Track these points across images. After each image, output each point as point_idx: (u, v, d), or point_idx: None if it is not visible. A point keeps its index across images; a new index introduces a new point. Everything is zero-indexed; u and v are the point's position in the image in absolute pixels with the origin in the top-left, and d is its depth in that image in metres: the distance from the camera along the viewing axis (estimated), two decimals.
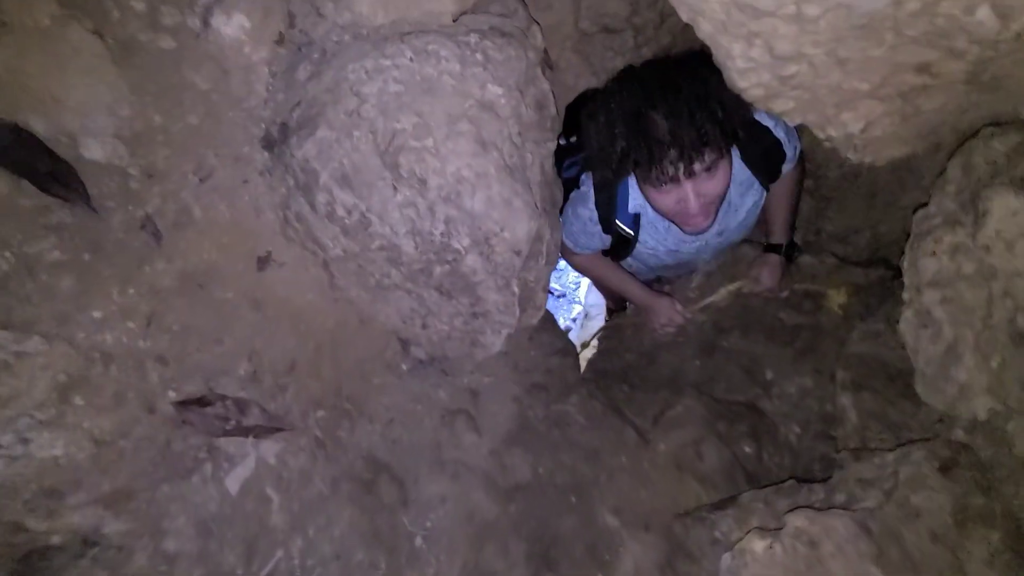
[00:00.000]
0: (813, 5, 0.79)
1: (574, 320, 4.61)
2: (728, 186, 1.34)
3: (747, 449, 1.70)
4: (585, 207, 1.61)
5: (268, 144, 1.08)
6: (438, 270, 1.08)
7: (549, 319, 1.93)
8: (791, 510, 0.90)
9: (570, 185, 1.76)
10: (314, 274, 1.22)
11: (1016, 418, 0.90)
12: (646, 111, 1.20)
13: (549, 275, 1.62)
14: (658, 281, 2.25)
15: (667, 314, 1.84)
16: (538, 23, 1.32)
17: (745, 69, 1.02)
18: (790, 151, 1.44)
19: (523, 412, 1.53)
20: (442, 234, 1.02)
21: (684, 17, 1.06)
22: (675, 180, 1.26)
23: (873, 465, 1.06)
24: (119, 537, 0.89)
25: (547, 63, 1.41)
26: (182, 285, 1.13)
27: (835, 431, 1.67)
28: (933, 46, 0.82)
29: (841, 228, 2.27)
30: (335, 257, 1.09)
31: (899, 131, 1.12)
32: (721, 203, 1.41)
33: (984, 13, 0.71)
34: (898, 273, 1.95)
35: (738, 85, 1.08)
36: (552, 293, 4.81)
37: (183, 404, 1.01)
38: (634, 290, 1.86)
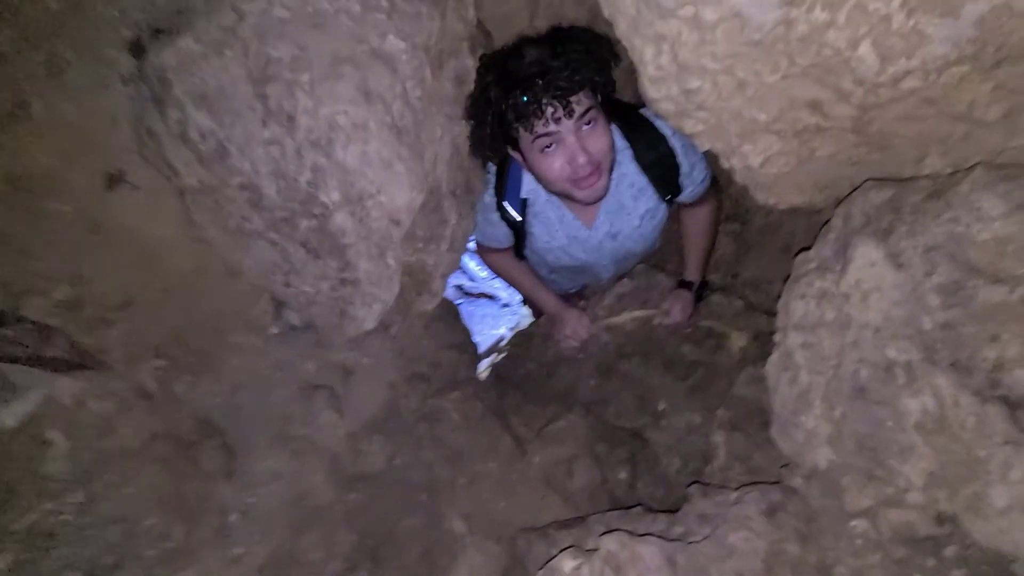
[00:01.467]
0: (709, 9, 0.76)
1: (511, 330, 4.57)
2: (611, 146, 1.32)
3: (621, 475, 1.67)
4: (487, 192, 1.57)
5: (136, 50, 0.96)
6: (304, 223, 0.99)
7: (452, 311, 1.86)
8: (608, 531, 0.86)
9: None
10: (171, 204, 1.10)
11: (850, 473, 0.90)
12: (515, 59, 1.18)
13: (452, 264, 1.56)
14: (576, 295, 2.22)
15: (572, 326, 1.80)
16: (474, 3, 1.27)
17: (656, 78, 1.00)
18: (685, 165, 1.45)
19: (395, 400, 1.45)
20: (308, 183, 0.93)
21: (605, 12, 1.02)
22: (556, 121, 1.22)
23: (714, 502, 1.03)
24: None
25: (481, 43, 1.36)
26: (4, 185, 0.99)
27: (706, 467, 1.67)
28: (822, 83, 0.82)
29: (756, 276, 2.32)
30: (190, 187, 0.98)
31: (796, 174, 1.13)
32: (611, 171, 1.38)
33: (865, 49, 0.71)
34: None
35: (649, 95, 1.05)
36: (496, 300, 4.75)
37: None
38: (545, 297, 1.82)
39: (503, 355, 2.46)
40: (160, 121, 0.91)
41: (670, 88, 1.01)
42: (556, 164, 1.28)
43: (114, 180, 1.05)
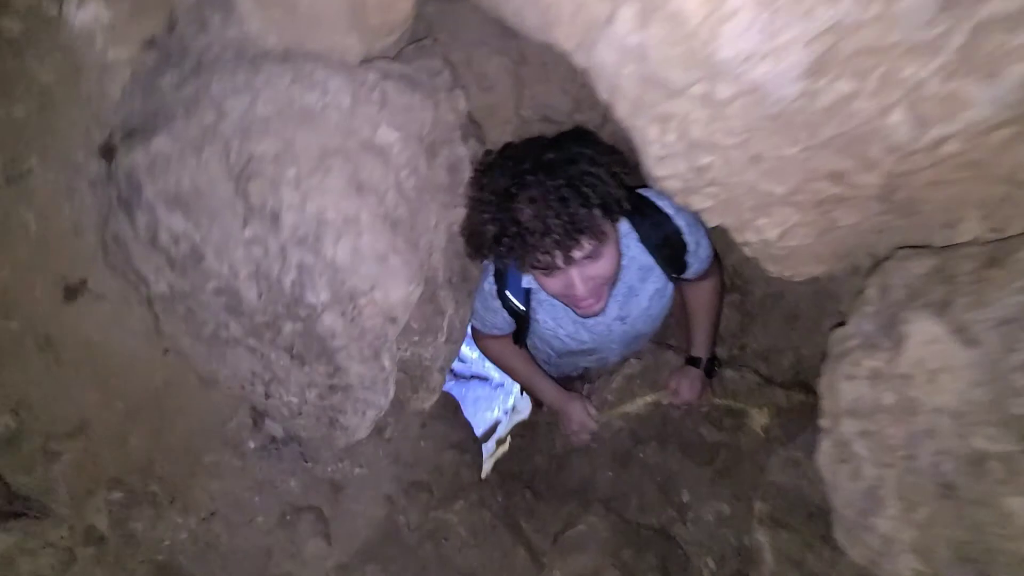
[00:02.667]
0: (723, 86, 0.72)
1: (506, 413, 4.35)
2: (617, 266, 1.25)
3: None
4: (487, 280, 1.48)
5: (106, 152, 0.89)
6: (288, 327, 0.88)
7: (450, 405, 1.71)
8: None
9: None
10: (142, 315, 0.99)
11: None
12: (513, 194, 1.10)
13: (450, 356, 1.44)
14: (580, 378, 2.09)
15: (579, 419, 1.66)
16: (463, 89, 1.25)
17: (661, 157, 0.95)
18: (691, 243, 1.38)
19: (393, 517, 1.27)
20: (293, 283, 0.83)
21: (602, 96, 1.00)
22: (555, 268, 1.15)
23: None
24: None
25: (472, 132, 1.33)
26: None
27: (752, 571, 1.48)
28: (846, 153, 0.77)
29: (764, 347, 2.23)
30: (160, 295, 0.87)
31: (815, 245, 1.06)
32: (613, 285, 1.30)
33: (899, 116, 0.66)
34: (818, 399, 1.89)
35: (655, 174, 1.01)
36: (489, 382, 4.57)
37: None
38: (544, 386, 1.69)
39: (504, 448, 2.28)
40: (128, 226, 0.82)
41: (677, 166, 0.96)
42: (554, 286, 1.21)
43: (74, 291, 0.94)
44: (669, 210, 1.35)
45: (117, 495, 1.01)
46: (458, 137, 1.20)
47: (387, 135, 0.90)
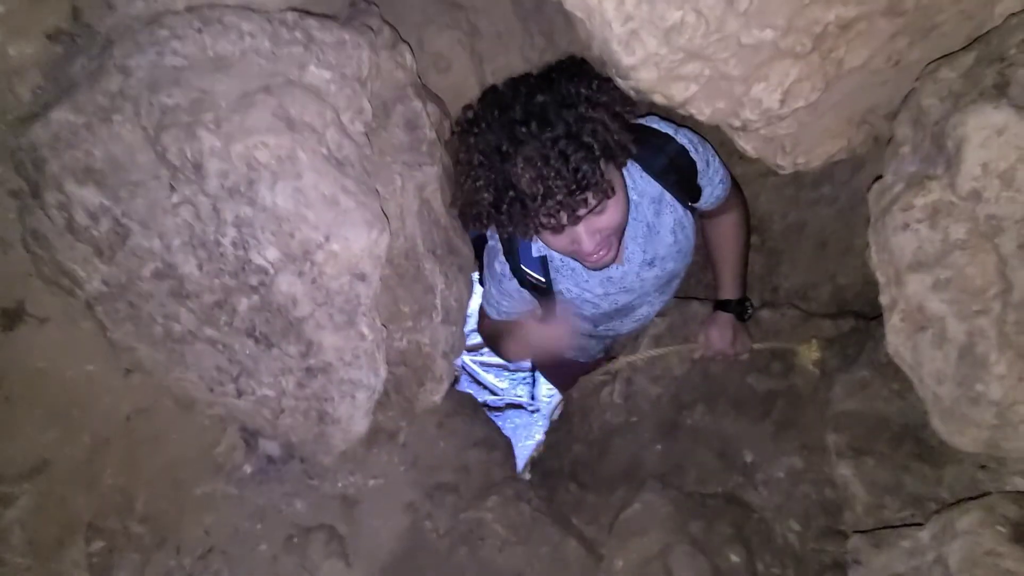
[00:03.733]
0: None
1: (547, 434, 4.14)
2: (626, 214, 1.11)
3: (734, 558, 1.26)
4: (497, 260, 1.34)
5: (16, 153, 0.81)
6: (243, 303, 0.77)
7: (468, 402, 1.57)
8: None
9: (480, 243, 1.51)
10: (91, 333, 0.88)
11: None
12: (508, 153, 0.97)
13: (453, 340, 1.30)
14: (604, 359, 1.93)
15: (551, 332, 1.43)
16: (407, 44, 1.17)
17: (626, 36, 0.84)
18: (700, 162, 1.24)
19: (418, 525, 1.11)
20: (235, 243, 0.72)
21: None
22: (560, 229, 1.02)
23: (903, 551, 0.68)
24: None
25: (427, 95, 1.25)
26: None
27: (845, 512, 1.28)
28: None
29: (798, 284, 2.05)
30: (96, 295, 0.77)
31: (823, 110, 0.93)
32: (622, 233, 1.16)
33: None
34: (871, 322, 1.70)
35: (624, 64, 0.89)
36: (524, 408, 4.38)
37: None
38: (520, 329, 1.46)
39: (539, 449, 2.10)
40: (42, 215, 0.73)
41: (646, 43, 0.85)
42: (560, 243, 1.08)
43: (12, 317, 0.84)
44: (667, 129, 1.22)
45: (97, 544, 0.88)
46: (411, 93, 1.11)
47: (318, 74, 0.80)
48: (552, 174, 0.92)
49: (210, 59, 0.75)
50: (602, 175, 0.97)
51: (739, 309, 1.59)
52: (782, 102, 0.88)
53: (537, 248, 1.27)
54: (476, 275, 1.54)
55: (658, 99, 1.00)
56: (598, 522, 1.41)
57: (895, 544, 0.71)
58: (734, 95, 0.92)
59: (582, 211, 1.00)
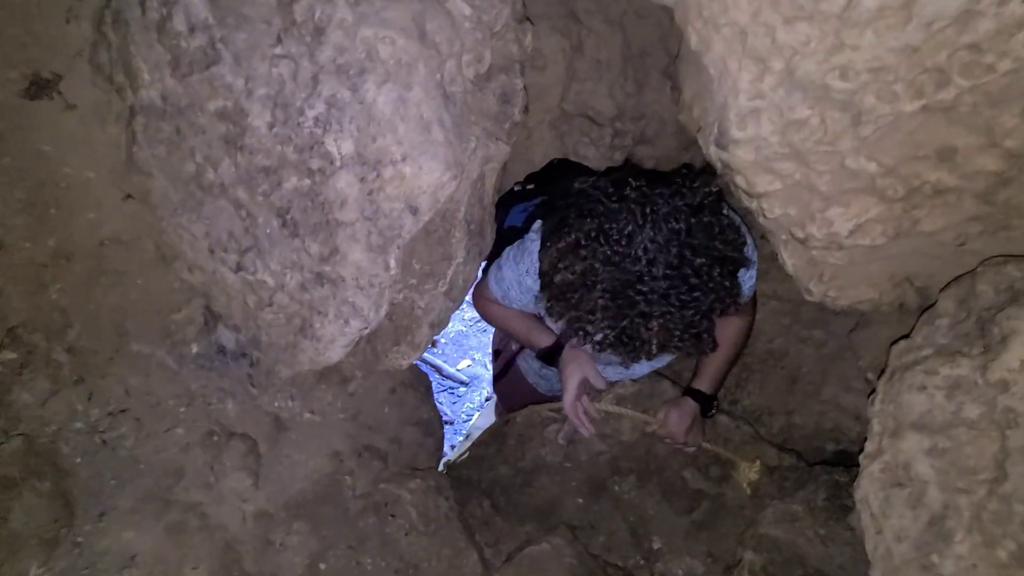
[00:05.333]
0: None
1: (452, 447, 4.06)
2: None
3: None
4: (529, 258, 1.29)
5: None
6: (292, 181, 0.72)
7: (423, 382, 1.52)
8: None
9: (513, 236, 1.48)
10: (114, 139, 0.82)
11: None
12: (637, 304, 0.95)
13: (445, 312, 1.27)
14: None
15: (588, 371, 1.42)
16: (532, 27, 1.17)
17: (747, 111, 0.87)
18: (744, 270, 1.27)
19: (337, 477, 1.05)
20: (316, 119, 0.68)
21: (693, 41, 0.92)
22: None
23: None
24: None
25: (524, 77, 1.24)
26: None
27: None
28: (972, 123, 0.69)
29: (757, 405, 2.11)
30: (147, 106, 0.71)
31: (874, 260, 0.98)
32: None
33: None
34: (810, 467, 1.75)
35: (730, 134, 0.92)
36: (445, 420, 4.29)
37: None
38: (548, 340, 1.44)
39: (464, 454, 2.04)
40: (137, 1, 0.67)
41: (761, 125, 0.87)
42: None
43: (42, 86, 0.77)
44: (735, 218, 1.22)
45: (9, 355, 0.79)
46: (517, 70, 1.11)
47: (461, 6, 0.79)
48: (676, 336, 0.94)
49: None
50: (707, 334, 1.00)
51: (706, 404, 1.61)
52: (851, 233, 0.91)
53: None
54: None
55: (737, 179, 1.03)
56: (498, 547, 1.38)
57: None
58: (810, 208, 0.96)
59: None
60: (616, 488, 1.63)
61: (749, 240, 1.26)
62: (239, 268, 0.79)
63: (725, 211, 1.04)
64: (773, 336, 2.15)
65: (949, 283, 0.87)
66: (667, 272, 0.95)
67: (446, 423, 4.42)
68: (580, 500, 1.58)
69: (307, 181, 0.72)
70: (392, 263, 0.80)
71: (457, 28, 0.79)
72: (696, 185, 0.99)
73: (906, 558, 0.72)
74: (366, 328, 0.87)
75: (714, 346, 1.02)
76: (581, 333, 1.02)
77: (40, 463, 0.71)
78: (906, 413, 0.77)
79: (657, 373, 1.76)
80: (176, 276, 0.95)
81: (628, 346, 0.98)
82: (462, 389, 4.15)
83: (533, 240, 1.32)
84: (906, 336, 0.87)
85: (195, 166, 0.74)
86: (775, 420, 2.10)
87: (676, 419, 1.55)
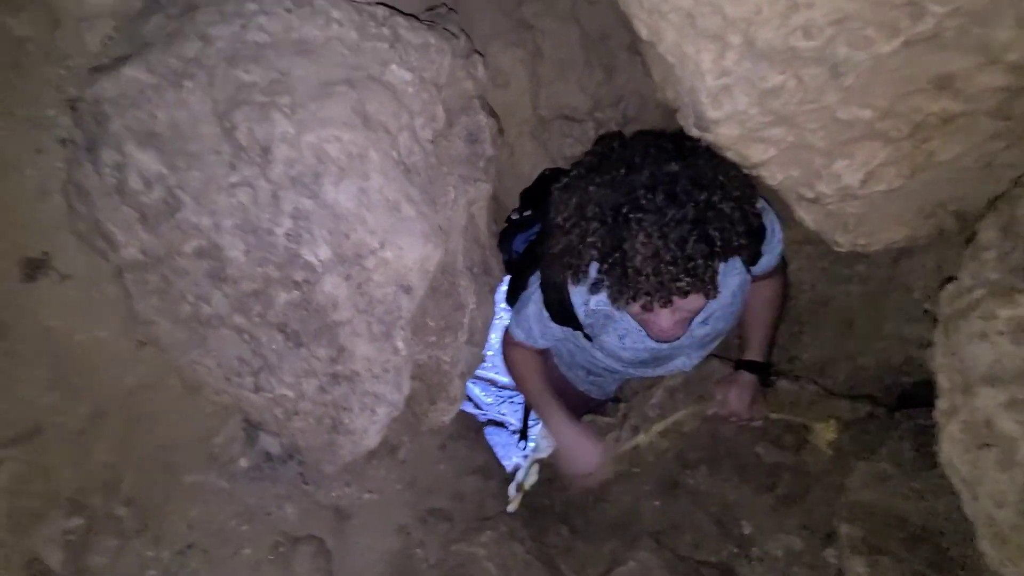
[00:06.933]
0: None
1: (525, 458, 4.07)
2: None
3: None
4: (536, 295, 1.28)
5: (78, 105, 0.77)
6: (282, 297, 0.73)
7: (470, 426, 1.51)
8: None
9: (522, 263, 1.46)
10: (111, 298, 0.84)
11: None
12: (627, 219, 0.91)
13: (472, 362, 1.26)
14: (614, 400, 1.88)
15: (588, 459, 1.38)
16: (481, 56, 1.15)
17: (717, 90, 0.82)
18: (768, 227, 1.21)
19: (408, 551, 1.05)
20: (288, 235, 0.68)
21: (643, 33, 0.88)
22: (649, 308, 0.98)
23: None
24: None
25: (490, 109, 1.22)
26: None
27: None
28: (962, 44, 0.63)
29: (817, 358, 2.01)
30: (131, 263, 0.73)
31: (898, 197, 0.90)
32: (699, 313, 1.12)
33: None
34: (889, 411, 1.66)
35: (708, 116, 0.87)
36: (506, 428, 4.30)
37: None
38: (555, 414, 1.40)
39: (529, 484, 2.03)
40: (93, 172, 0.69)
41: (736, 100, 0.82)
42: (632, 308, 1.03)
43: (35, 267, 0.79)
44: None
45: (75, 521, 0.82)
46: (477, 106, 1.09)
47: (399, 74, 0.77)
48: (667, 258, 0.87)
49: (294, 41, 0.72)
50: (713, 274, 0.92)
51: (763, 373, 1.54)
52: (863, 182, 0.85)
53: (588, 300, 1.22)
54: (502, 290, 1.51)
55: (731, 156, 0.97)
56: (586, 573, 1.36)
57: None
58: (812, 166, 0.90)
59: (677, 299, 0.95)
60: (690, 482, 1.58)
61: (765, 206, 1.21)
62: (257, 388, 0.80)
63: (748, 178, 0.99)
64: (814, 283, 2.04)
65: (987, 212, 0.80)
66: (666, 201, 0.90)
67: (514, 431, 4.44)
68: (656, 503, 1.54)
69: (296, 293, 0.73)
70: (400, 345, 0.80)
71: (401, 98, 0.78)
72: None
73: (1013, 524, 0.66)
74: (394, 409, 0.86)
75: (715, 292, 0.95)
76: (572, 271, 0.98)
77: None
78: (972, 366, 0.71)
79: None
80: (207, 401, 0.97)
81: (620, 279, 0.92)
82: (519, 399, 4.16)
83: (533, 288, 1.30)
84: (952, 278, 0.80)
85: (190, 306, 0.76)
86: (839, 368, 2.00)
87: (736, 396, 1.49)
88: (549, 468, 1.97)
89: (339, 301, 0.72)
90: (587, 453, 1.40)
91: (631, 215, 0.91)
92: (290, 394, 0.80)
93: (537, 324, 1.35)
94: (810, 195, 0.93)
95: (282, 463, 1.04)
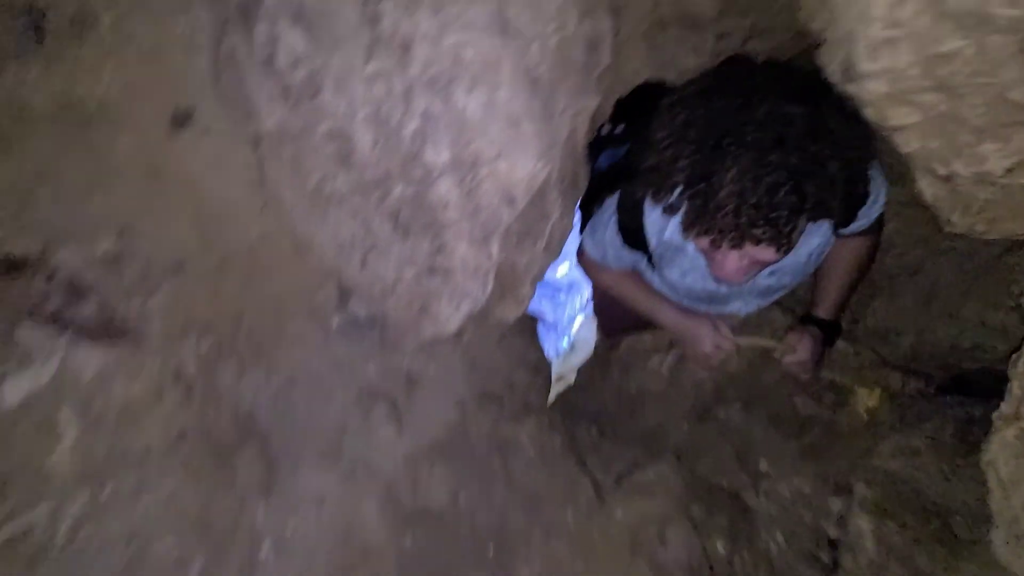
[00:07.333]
0: None
1: (559, 353, 4.30)
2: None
3: (720, 548, 1.37)
4: (612, 216, 1.30)
5: None
6: (398, 190, 0.78)
7: (527, 325, 1.62)
8: None
9: (602, 181, 1.46)
10: (247, 160, 0.92)
11: None
12: (725, 153, 0.86)
13: (544, 267, 1.32)
14: None
15: (712, 339, 1.46)
16: None
17: (880, 42, 0.74)
18: (872, 195, 1.14)
19: (463, 422, 1.21)
20: (414, 134, 0.72)
21: None
22: (717, 243, 0.96)
23: None
24: None
25: (614, 10, 1.14)
26: (59, 112, 0.83)
27: (825, 556, 1.35)
28: None
29: (883, 325, 1.97)
30: (268, 133, 0.79)
31: None
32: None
33: None
34: (938, 391, 1.65)
35: (860, 67, 0.80)
36: (543, 322, 4.50)
37: None
38: (667, 313, 1.49)
39: (568, 383, 2.20)
40: (244, 41, 0.73)
41: (898, 56, 0.75)
42: (701, 243, 1.01)
43: (182, 119, 0.87)
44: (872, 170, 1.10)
45: (207, 341, 0.99)
46: (603, 7, 1.02)
47: None
48: (752, 201, 0.85)
49: None
50: (793, 230, 0.90)
51: (831, 333, 1.53)
52: (1008, 171, 0.79)
53: (663, 228, 1.23)
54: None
55: (867, 111, 0.90)
56: (608, 470, 1.52)
57: None
58: (956, 142, 0.83)
59: (748, 244, 0.94)
60: (722, 415, 1.68)
61: (876, 173, 1.13)
62: (363, 265, 0.90)
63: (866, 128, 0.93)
64: (906, 248, 1.94)
65: None
66: (772, 141, 0.89)
67: (551, 327, 4.68)
68: (685, 426, 1.66)
69: (411, 189, 0.78)
70: (494, 251, 0.86)
71: (541, 5, 0.75)
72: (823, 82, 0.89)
73: None
74: (476, 306, 0.95)
75: (789, 248, 0.95)
76: (655, 188, 1.01)
77: (251, 431, 0.92)
78: None
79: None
80: (311, 263, 1.09)
81: (699, 208, 0.94)
82: (562, 296, 4.30)
83: (609, 210, 1.29)
84: None
85: (316, 181, 0.83)
86: (904, 339, 1.96)
87: (805, 348, 1.50)
88: (584, 372, 2.10)
89: (449, 203, 0.78)
90: (702, 334, 1.46)
91: (730, 147, 0.89)
92: (391, 276, 0.89)
93: (611, 248, 1.38)
94: (943, 172, 0.87)
95: (367, 328, 1.18)
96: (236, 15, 0.73)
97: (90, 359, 0.74)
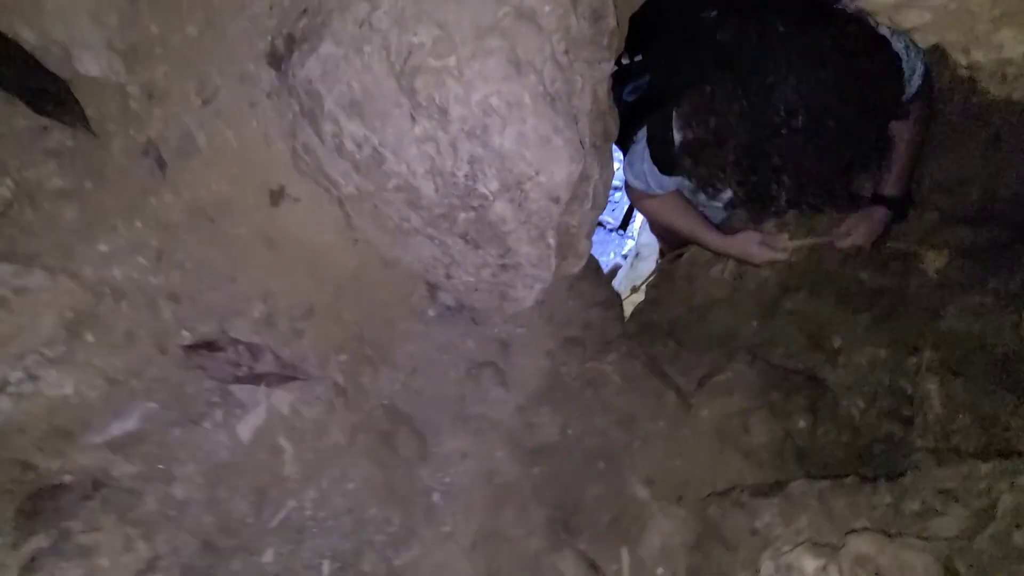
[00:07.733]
0: None
1: (624, 257, 4.40)
2: None
3: (801, 423, 1.54)
4: (646, 162, 1.36)
5: (274, 60, 0.93)
6: (462, 216, 0.94)
7: (592, 267, 1.77)
8: (853, 531, 0.77)
9: (631, 113, 1.51)
10: (330, 211, 1.11)
11: None
12: (771, 161, 0.88)
13: (595, 220, 1.45)
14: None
15: (760, 255, 1.54)
16: None
17: None
18: (908, 68, 1.12)
19: (555, 368, 1.43)
20: (466, 176, 0.87)
21: None
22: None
23: (959, 474, 0.89)
24: (128, 480, 0.88)
25: None
26: (191, 219, 1.05)
27: (907, 410, 1.48)
28: None
29: (949, 176, 1.92)
30: (349, 195, 0.97)
31: None
32: None
33: None
34: (1017, 236, 1.63)
35: None
36: (604, 226, 4.56)
37: (193, 348, 0.96)
38: (713, 241, 1.59)
39: (638, 295, 2.35)
40: (315, 136, 0.89)
41: None
42: None
43: (277, 196, 1.07)
44: (883, 29, 1.08)
45: (344, 357, 1.25)
46: None
47: (538, 5, 0.82)
48: (801, 202, 0.92)
49: None
50: (836, 205, 0.94)
51: (900, 208, 1.54)
52: None
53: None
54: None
55: (880, 18, 0.92)
56: (689, 375, 1.70)
57: (954, 466, 0.91)
58: (973, 32, 0.84)
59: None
60: (789, 305, 1.78)
61: (903, 38, 1.10)
62: (448, 277, 1.09)
63: (880, 43, 0.94)
64: (968, 97, 1.83)
65: None
66: (807, 124, 0.95)
67: (611, 230, 4.74)
68: (755, 323, 1.79)
69: (473, 213, 0.94)
70: (551, 241, 1.01)
71: (540, 21, 0.84)
72: (849, 21, 0.90)
73: None
74: (547, 284, 1.12)
75: (848, 204, 1.01)
76: (710, 190, 1.11)
77: (398, 416, 1.19)
78: None
79: None
80: (400, 273, 1.30)
81: (757, 203, 1.03)
82: (617, 195, 4.33)
83: (640, 144, 1.35)
84: None
85: (394, 222, 1.01)
86: (971, 188, 1.92)
87: (865, 231, 1.53)
88: (655, 290, 2.24)
89: (507, 218, 0.93)
90: (750, 252, 1.57)
91: (771, 151, 0.92)
92: (471, 279, 1.08)
93: (651, 177, 1.47)
94: (963, 62, 0.89)
95: (458, 312, 1.40)
96: (303, 118, 0.89)
97: (284, 397, 1.01)
